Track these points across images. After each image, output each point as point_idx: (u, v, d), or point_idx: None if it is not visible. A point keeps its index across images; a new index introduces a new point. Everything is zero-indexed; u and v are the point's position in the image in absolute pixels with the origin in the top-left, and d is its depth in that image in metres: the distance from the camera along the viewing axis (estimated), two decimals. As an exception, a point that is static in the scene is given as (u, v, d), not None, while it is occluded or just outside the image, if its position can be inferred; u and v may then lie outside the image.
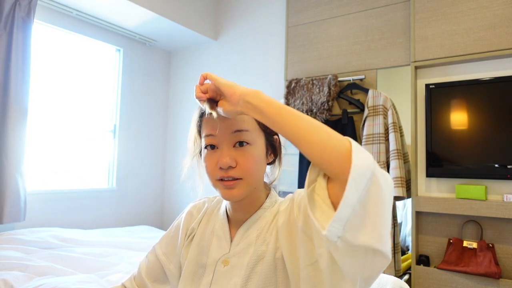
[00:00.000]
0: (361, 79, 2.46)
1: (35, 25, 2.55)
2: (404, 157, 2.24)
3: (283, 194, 2.68)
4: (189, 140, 0.82)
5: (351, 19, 2.56)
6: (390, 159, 2.19)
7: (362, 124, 2.35)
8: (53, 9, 2.73)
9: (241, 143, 0.74)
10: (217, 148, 0.74)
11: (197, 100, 0.73)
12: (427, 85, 2.21)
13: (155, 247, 0.92)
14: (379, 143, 2.25)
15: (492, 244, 1.98)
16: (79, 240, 2.23)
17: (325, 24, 2.66)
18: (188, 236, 0.86)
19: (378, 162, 1.65)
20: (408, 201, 2.30)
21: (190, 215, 0.90)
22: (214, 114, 0.71)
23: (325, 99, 2.46)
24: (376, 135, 2.26)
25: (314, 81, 2.57)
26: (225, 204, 0.85)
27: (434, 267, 2.09)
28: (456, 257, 2.04)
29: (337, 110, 2.54)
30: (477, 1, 2.10)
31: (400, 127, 2.28)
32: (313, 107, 2.50)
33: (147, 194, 3.49)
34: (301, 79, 2.65)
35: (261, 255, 0.74)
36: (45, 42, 2.74)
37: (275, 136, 0.82)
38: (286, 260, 0.69)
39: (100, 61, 3.17)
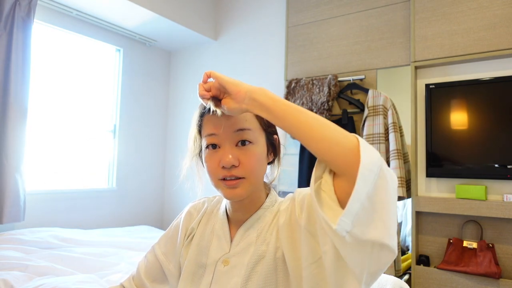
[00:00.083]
0: (361, 79, 2.46)
1: (35, 25, 2.55)
2: (404, 157, 2.24)
3: (283, 194, 2.68)
4: (189, 140, 0.81)
5: (351, 19, 2.56)
6: (390, 159, 2.19)
7: (362, 124, 2.35)
8: (53, 9, 2.73)
9: (243, 142, 0.73)
10: (219, 147, 0.74)
11: (200, 99, 0.72)
12: (427, 85, 2.20)
13: (154, 247, 0.92)
14: (379, 143, 2.25)
15: (492, 244, 1.98)
16: (79, 240, 2.23)
17: (325, 24, 2.66)
18: (188, 236, 0.86)
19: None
20: (408, 201, 2.30)
21: (190, 215, 0.90)
22: (219, 111, 0.70)
23: (325, 99, 2.46)
24: (376, 135, 2.26)
25: (314, 81, 2.56)
26: (225, 203, 0.85)
27: (434, 267, 2.09)
28: (456, 257, 2.04)
29: (337, 110, 2.54)
30: (477, 1, 2.10)
31: (400, 127, 2.28)
32: (313, 107, 2.50)
33: (147, 194, 3.49)
34: (301, 79, 2.65)
35: (262, 255, 0.74)
36: (45, 42, 2.74)
37: (275, 136, 0.82)
38: (287, 260, 0.69)
39: (100, 61, 3.17)
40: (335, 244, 0.56)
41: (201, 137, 0.78)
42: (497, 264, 1.95)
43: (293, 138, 2.76)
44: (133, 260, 1.93)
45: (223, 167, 0.72)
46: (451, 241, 2.09)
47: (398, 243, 2.23)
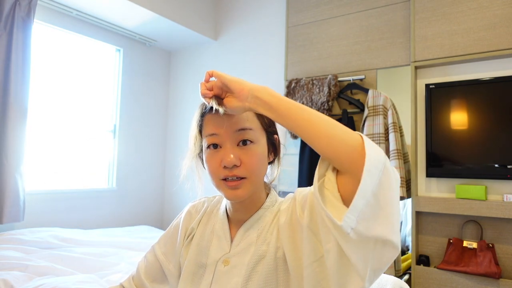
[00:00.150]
0: (361, 79, 2.46)
1: (35, 25, 2.55)
2: (404, 157, 2.24)
3: (283, 194, 2.68)
4: (190, 140, 0.81)
5: (351, 19, 2.56)
6: (390, 159, 2.19)
7: (362, 124, 2.35)
8: (53, 9, 2.73)
9: (244, 142, 0.73)
10: (220, 147, 0.74)
11: (202, 98, 0.72)
12: (427, 85, 2.20)
13: (154, 247, 0.92)
14: (379, 143, 2.25)
15: (492, 244, 1.98)
16: (79, 240, 2.23)
17: (325, 24, 2.66)
18: (188, 236, 0.86)
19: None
20: (408, 201, 2.30)
21: (189, 215, 0.89)
22: (221, 110, 0.70)
23: (325, 99, 2.46)
24: (376, 135, 2.26)
25: (314, 81, 2.57)
26: (225, 203, 0.84)
27: (434, 267, 2.09)
28: (456, 257, 2.04)
29: (337, 110, 2.54)
30: (477, 1, 2.10)
31: (400, 127, 2.28)
32: (313, 107, 2.50)
33: (147, 194, 3.49)
34: (301, 79, 2.65)
35: (262, 255, 0.74)
36: (45, 42, 2.74)
37: (276, 136, 0.82)
38: (288, 259, 0.69)
39: (100, 61, 3.17)
40: (339, 241, 0.56)
41: (201, 137, 0.78)
42: (497, 264, 1.95)
43: (293, 138, 2.74)
44: (133, 260, 1.93)
45: (225, 167, 0.72)
46: (451, 241, 2.09)
47: (398, 243, 2.23)
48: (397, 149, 2.17)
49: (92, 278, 1.59)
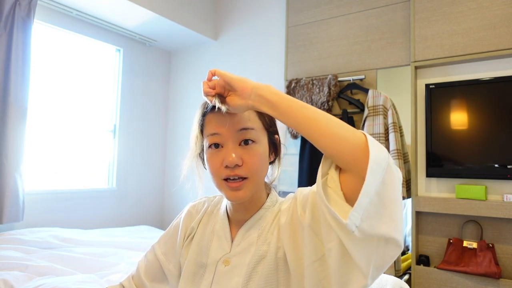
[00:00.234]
0: (361, 79, 2.46)
1: (35, 25, 2.55)
2: (404, 157, 2.24)
3: (283, 194, 2.68)
4: (191, 140, 0.81)
5: (351, 19, 2.56)
6: (390, 159, 2.19)
7: (362, 124, 2.35)
8: (53, 9, 2.72)
9: (246, 142, 0.73)
10: (222, 147, 0.73)
11: (204, 97, 0.72)
12: (427, 85, 2.21)
13: (154, 246, 0.92)
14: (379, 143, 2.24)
15: (492, 244, 1.98)
16: (79, 240, 2.23)
17: (325, 24, 2.66)
18: (188, 236, 0.86)
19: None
20: (408, 201, 2.30)
21: (190, 214, 0.89)
22: (224, 108, 0.69)
23: (325, 99, 2.46)
24: (376, 135, 2.26)
25: (314, 81, 2.57)
26: (226, 203, 0.84)
27: (434, 267, 2.09)
28: (456, 257, 2.04)
29: (337, 110, 2.54)
30: (477, 1, 2.10)
31: (400, 127, 2.28)
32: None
33: (147, 194, 3.49)
34: (301, 79, 2.65)
35: (263, 255, 0.74)
36: (45, 42, 2.74)
37: (276, 136, 0.82)
38: (289, 259, 0.69)
39: (100, 61, 3.17)
40: (342, 240, 0.56)
41: (203, 137, 0.78)
42: (497, 264, 1.95)
43: (293, 138, 2.73)
44: (133, 260, 1.93)
45: (226, 167, 0.71)
46: (451, 241, 2.10)
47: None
48: (397, 149, 2.17)
49: (92, 278, 1.59)
